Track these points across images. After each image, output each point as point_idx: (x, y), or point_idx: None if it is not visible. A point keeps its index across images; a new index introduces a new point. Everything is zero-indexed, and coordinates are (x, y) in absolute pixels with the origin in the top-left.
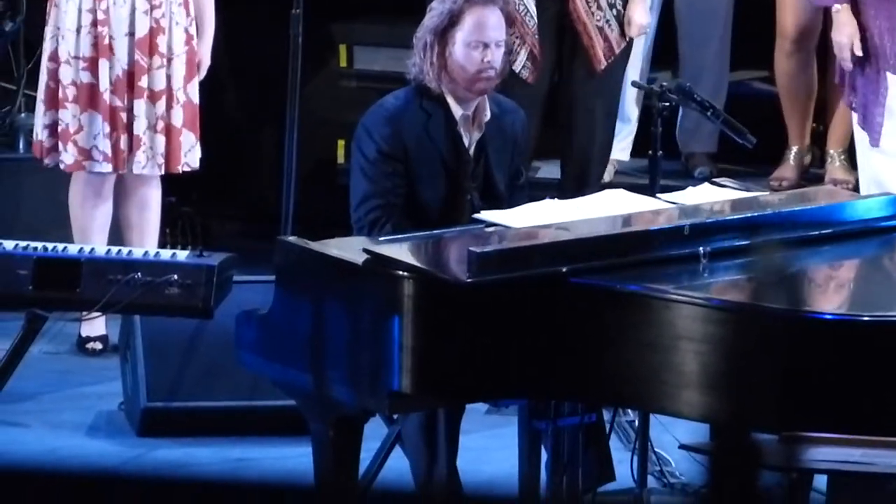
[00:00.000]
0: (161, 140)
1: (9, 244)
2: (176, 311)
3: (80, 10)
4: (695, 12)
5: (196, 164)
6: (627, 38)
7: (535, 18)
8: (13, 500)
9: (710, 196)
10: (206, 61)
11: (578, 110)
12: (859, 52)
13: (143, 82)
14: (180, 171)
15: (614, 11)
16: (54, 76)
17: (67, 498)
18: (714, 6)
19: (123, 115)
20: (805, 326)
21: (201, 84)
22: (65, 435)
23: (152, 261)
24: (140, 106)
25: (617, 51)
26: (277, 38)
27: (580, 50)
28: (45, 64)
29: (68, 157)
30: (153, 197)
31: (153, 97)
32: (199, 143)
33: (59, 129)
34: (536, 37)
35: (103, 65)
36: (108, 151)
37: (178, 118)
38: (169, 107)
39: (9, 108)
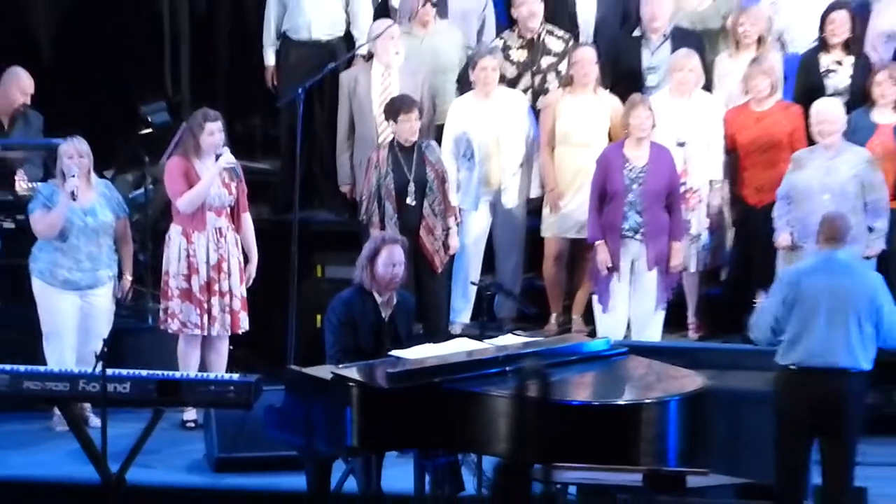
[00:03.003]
0: (227, 318)
1: (143, 372)
2: (232, 406)
3: (179, 248)
4: (504, 241)
5: (247, 327)
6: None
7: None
8: None
9: (513, 340)
10: (252, 275)
11: (427, 296)
12: (609, 266)
13: (216, 288)
14: (240, 332)
15: (440, 242)
16: (167, 283)
17: (181, 499)
18: (514, 238)
19: (205, 305)
20: (562, 407)
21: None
22: (174, 471)
23: (220, 380)
24: (215, 301)
25: (444, 264)
26: (284, 262)
27: (426, 263)
28: (163, 276)
29: (173, 326)
30: (224, 348)
31: (222, 296)
32: (247, 315)
33: (169, 311)
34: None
35: (194, 279)
36: (198, 323)
37: (237, 305)
38: (232, 299)
39: (143, 302)
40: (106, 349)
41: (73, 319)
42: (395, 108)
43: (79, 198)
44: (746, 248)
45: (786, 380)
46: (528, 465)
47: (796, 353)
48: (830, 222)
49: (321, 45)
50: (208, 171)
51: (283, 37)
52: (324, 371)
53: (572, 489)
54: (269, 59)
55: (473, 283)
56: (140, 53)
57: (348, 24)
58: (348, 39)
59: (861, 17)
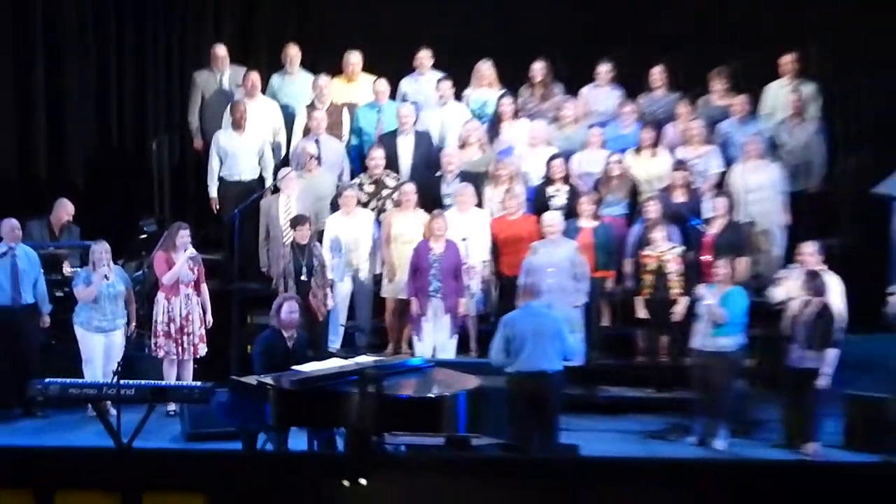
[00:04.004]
0: (191, 349)
1: (142, 381)
2: (196, 402)
3: (163, 307)
4: (360, 299)
5: (205, 353)
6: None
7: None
8: (157, 469)
9: (366, 359)
10: (210, 322)
11: (314, 333)
12: (420, 313)
13: (184, 331)
14: (198, 356)
15: (321, 301)
16: (155, 327)
17: (166, 457)
18: (366, 298)
19: (179, 341)
20: (394, 399)
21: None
22: (162, 441)
23: (189, 386)
24: (185, 338)
25: (324, 315)
26: (227, 314)
27: (313, 315)
28: (153, 323)
29: (160, 354)
30: (190, 367)
31: (188, 335)
32: (205, 346)
33: (157, 345)
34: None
35: (171, 325)
36: (174, 352)
37: (197, 340)
38: (193, 336)
39: (142, 339)
40: (119, 368)
41: (100, 350)
42: (295, 222)
43: (104, 277)
44: (505, 301)
45: (513, 381)
46: (370, 434)
47: (517, 364)
48: (528, 286)
49: (245, 183)
50: (180, 259)
51: (220, 179)
52: (252, 380)
53: (402, 448)
54: (213, 192)
55: (342, 326)
56: (138, 188)
57: (261, 170)
58: (259, 179)
59: (568, 161)
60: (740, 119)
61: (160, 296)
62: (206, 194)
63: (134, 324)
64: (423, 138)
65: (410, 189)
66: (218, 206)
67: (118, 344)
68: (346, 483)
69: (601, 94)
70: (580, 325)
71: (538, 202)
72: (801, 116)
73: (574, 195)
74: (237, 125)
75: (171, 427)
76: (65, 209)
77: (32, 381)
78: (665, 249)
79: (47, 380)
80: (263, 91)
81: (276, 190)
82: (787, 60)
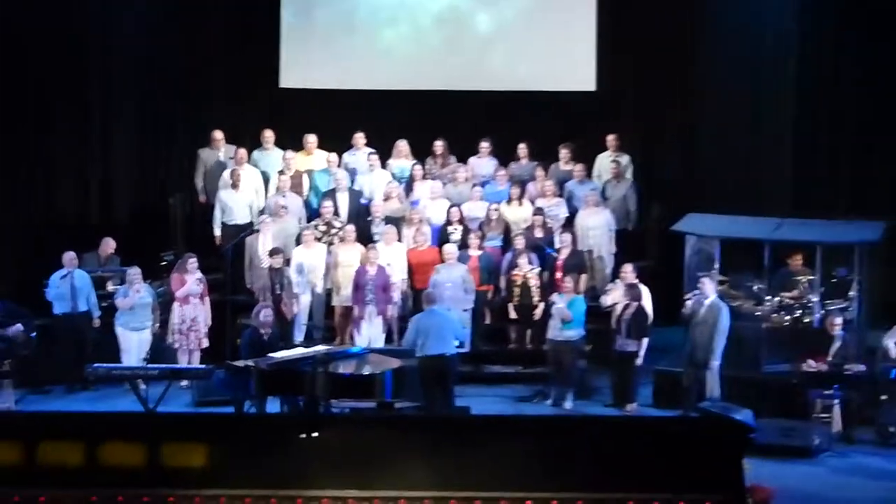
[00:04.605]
0: (198, 342)
1: (163, 364)
2: (202, 378)
3: (178, 312)
4: (316, 306)
5: (207, 345)
6: (293, 314)
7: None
8: (170, 427)
9: (321, 347)
10: (209, 323)
11: (284, 330)
12: (360, 316)
13: (192, 329)
14: (203, 348)
15: (289, 308)
16: (172, 327)
17: (180, 419)
18: (321, 305)
19: (189, 336)
20: (339, 376)
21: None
22: (178, 407)
23: (196, 367)
24: (193, 335)
25: (292, 316)
26: (223, 317)
27: (283, 316)
28: (170, 324)
29: (175, 346)
30: (197, 355)
31: (196, 332)
32: (207, 340)
33: (174, 340)
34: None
35: (183, 325)
36: (185, 345)
37: (202, 335)
38: (199, 333)
39: (164, 335)
40: (147, 356)
41: (134, 344)
42: (272, 253)
43: (137, 292)
44: (416, 306)
45: (422, 362)
46: (322, 400)
47: (424, 349)
48: (432, 295)
49: (240, 226)
50: (190, 280)
51: (222, 223)
52: (240, 363)
53: (346, 409)
54: (217, 232)
55: (304, 325)
56: (160, 230)
57: (251, 217)
58: (249, 223)
59: (460, 209)
60: (580, 180)
61: (175, 305)
62: (208, 233)
63: (158, 325)
64: (354, 194)
65: (351, 229)
66: (220, 242)
67: (147, 339)
68: (303, 435)
69: (483, 162)
70: (469, 323)
71: (441, 238)
72: (620, 178)
73: (465, 233)
74: (235, 185)
75: (184, 397)
76: (109, 245)
77: (87, 365)
78: (528, 270)
79: (97, 364)
80: (248, 161)
81: (256, 231)
82: (611, 139)
